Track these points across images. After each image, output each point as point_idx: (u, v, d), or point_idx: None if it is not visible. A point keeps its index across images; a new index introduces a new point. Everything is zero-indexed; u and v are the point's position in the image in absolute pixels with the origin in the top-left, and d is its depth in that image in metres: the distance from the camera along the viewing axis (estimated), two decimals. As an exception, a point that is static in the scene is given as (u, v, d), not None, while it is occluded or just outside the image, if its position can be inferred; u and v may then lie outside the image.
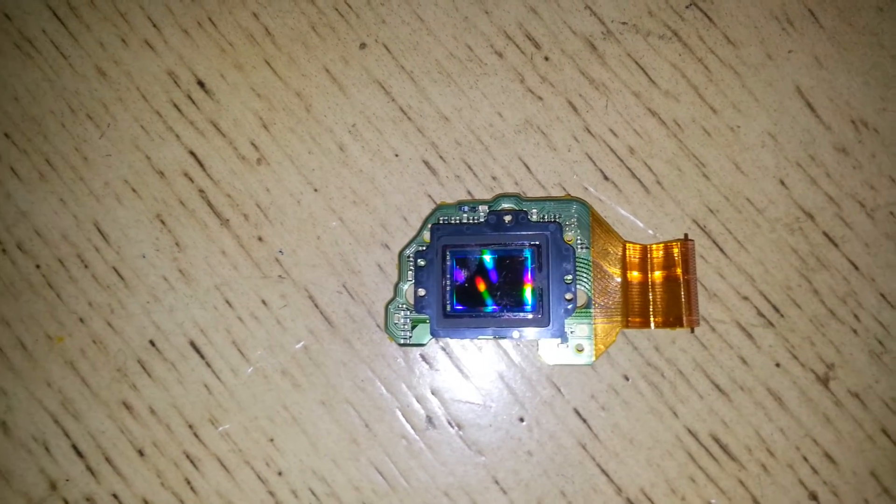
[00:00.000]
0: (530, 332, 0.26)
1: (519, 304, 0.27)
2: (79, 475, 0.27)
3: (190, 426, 0.27)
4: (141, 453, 0.27)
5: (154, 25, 0.29)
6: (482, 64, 0.29)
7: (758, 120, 0.28)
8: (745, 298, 0.27)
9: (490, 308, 0.27)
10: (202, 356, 0.27)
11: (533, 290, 0.27)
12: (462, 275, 0.27)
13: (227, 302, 0.28)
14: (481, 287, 0.27)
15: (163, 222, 0.28)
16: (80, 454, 0.27)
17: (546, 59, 0.29)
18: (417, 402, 0.27)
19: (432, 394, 0.27)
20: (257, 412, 0.27)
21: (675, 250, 0.26)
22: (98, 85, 0.29)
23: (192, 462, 0.27)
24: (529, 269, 0.27)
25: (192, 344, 0.27)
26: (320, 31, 0.29)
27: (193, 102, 0.29)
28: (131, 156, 0.29)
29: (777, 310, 0.27)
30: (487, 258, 0.27)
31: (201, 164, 0.29)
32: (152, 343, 0.27)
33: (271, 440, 0.27)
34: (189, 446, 0.27)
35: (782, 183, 0.28)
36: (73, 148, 0.29)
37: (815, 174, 0.28)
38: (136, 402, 0.27)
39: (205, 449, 0.27)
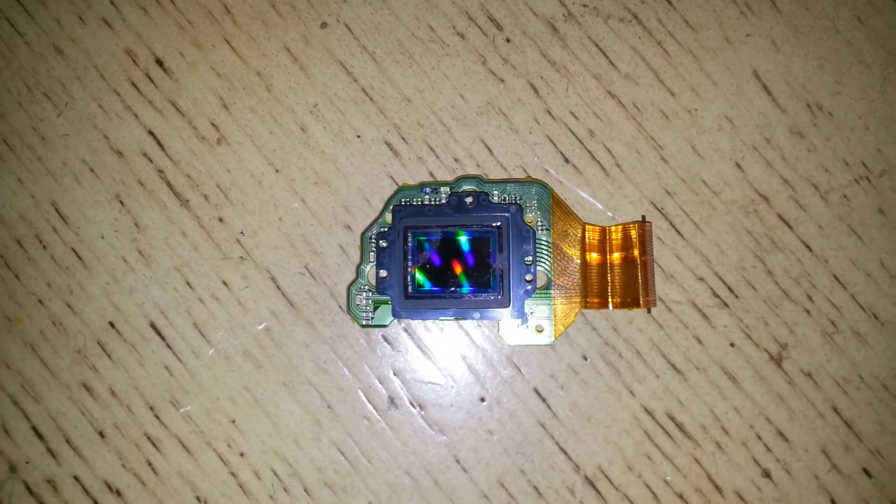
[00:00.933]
0: (491, 313, 0.26)
1: (480, 286, 0.27)
2: (39, 457, 0.26)
3: (151, 408, 0.27)
4: (102, 435, 0.27)
5: (111, 3, 0.29)
6: (444, 45, 0.28)
7: (715, 103, 0.28)
8: (701, 279, 0.28)
9: (451, 289, 0.27)
10: (163, 338, 0.27)
11: (493, 272, 0.27)
12: (423, 257, 0.27)
13: (188, 283, 0.27)
14: (443, 268, 0.27)
15: (122, 203, 0.28)
16: (40, 436, 0.27)
17: (508, 40, 0.28)
18: (379, 382, 0.27)
19: (394, 374, 0.27)
20: (219, 393, 0.27)
21: (633, 232, 0.26)
22: (55, 63, 0.28)
23: (153, 444, 0.27)
24: (490, 250, 0.27)
25: (153, 325, 0.27)
26: (280, 9, 0.29)
27: (152, 81, 0.28)
28: (89, 135, 0.28)
29: (732, 291, 0.28)
30: (449, 240, 0.27)
31: (160, 144, 0.28)
32: (112, 325, 0.27)
33: (233, 421, 0.27)
34: (150, 428, 0.27)
35: (738, 166, 0.28)
36: (31, 127, 0.28)
37: (770, 157, 0.28)
38: (97, 384, 0.27)
39: (166, 430, 0.27)
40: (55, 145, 0.28)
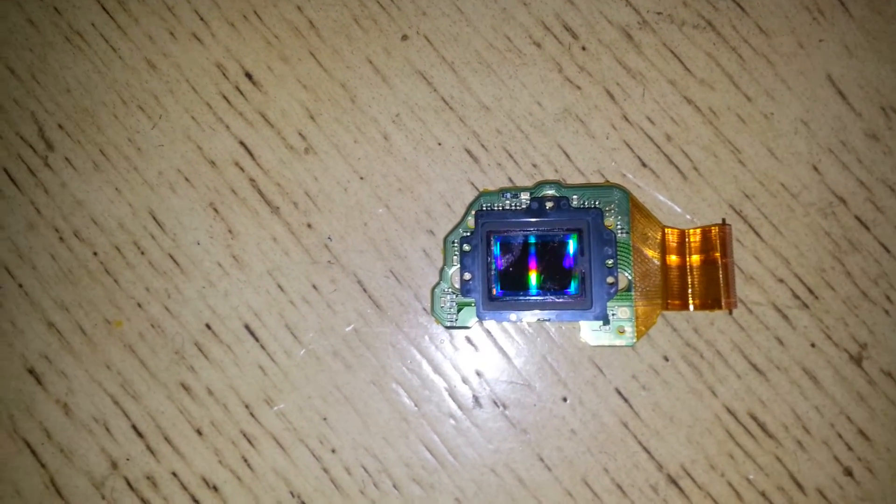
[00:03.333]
0: (573, 315, 0.26)
1: (562, 288, 0.26)
2: (139, 454, 0.27)
3: (246, 406, 0.27)
4: (199, 432, 0.27)
5: (201, 19, 0.29)
6: (521, 54, 0.28)
7: (791, 107, 0.28)
8: (781, 281, 0.27)
9: (534, 291, 0.26)
10: (256, 339, 0.27)
11: (575, 274, 0.26)
12: (506, 259, 0.27)
13: (280, 286, 0.27)
14: (525, 271, 0.27)
15: (216, 210, 0.28)
16: (139, 434, 0.27)
17: (583, 48, 0.28)
18: (464, 382, 0.27)
19: (478, 374, 0.27)
20: (310, 392, 0.27)
21: (714, 234, 0.26)
22: (148, 77, 0.28)
23: (248, 440, 0.26)
24: (572, 253, 0.26)
25: (247, 327, 0.27)
26: (363, 23, 0.29)
27: (242, 94, 0.28)
28: (183, 146, 0.28)
29: (812, 292, 0.27)
30: (531, 243, 0.27)
31: (251, 154, 0.28)
32: (208, 326, 0.27)
33: (324, 419, 0.27)
34: (245, 425, 0.27)
35: (815, 168, 0.27)
36: (127, 139, 0.28)
37: (846, 160, 0.27)
38: (194, 384, 0.27)
39: (261, 428, 0.26)
40: (151, 156, 0.28)
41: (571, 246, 0.26)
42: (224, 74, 0.28)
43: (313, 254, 0.27)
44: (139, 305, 0.27)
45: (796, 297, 0.27)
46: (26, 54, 0.29)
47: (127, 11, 0.29)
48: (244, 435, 0.27)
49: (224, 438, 0.26)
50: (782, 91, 0.28)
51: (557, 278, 0.26)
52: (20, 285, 0.27)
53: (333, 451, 0.26)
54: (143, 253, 0.28)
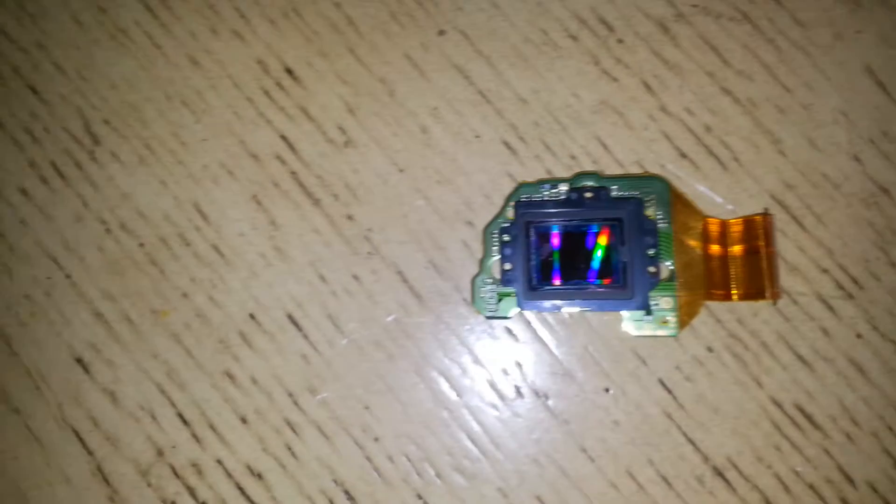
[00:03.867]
0: (615, 305, 0.26)
1: (603, 278, 0.26)
2: (184, 442, 0.26)
3: (290, 395, 0.27)
4: (244, 421, 0.27)
5: (242, 16, 0.29)
6: (557, 47, 0.28)
7: (830, 98, 0.27)
8: (825, 271, 0.27)
9: (574, 281, 0.26)
10: (299, 328, 0.27)
11: (616, 264, 0.26)
12: (547, 250, 0.26)
13: (321, 277, 0.27)
14: (565, 261, 0.26)
15: (258, 202, 0.28)
16: (185, 422, 0.27)
17: (619, 41, 0.28)
18: (504, 373, 0.27)
19: (518, 365, 0.27)
20: (353, 381, 0.26)
21: (757, 224, 0.26)
22: (191, 73, 0.29)
23: (292, 429, 0.26)
24: (613, 243, 0.26)
25: (290, 317, 0.27)
26: (400, 19, 0.29)
27: (283, 89, 0.29)
28: (226, 140, 0.28)
29: (856, 282, 0.26)
30: (570, 234, 0.26)
31: (292, 148, 0.28)
32: (252, 316, 0.27)
33: (367, 408, 0.26)
34: (289, 414, 0.26)
35: (856, 159, 0.27)
36: (171, 133, 0.29)
37: (888, 150, 0.27)
38: (238, 373, 0.27)
39: (304, 416, 0.26)
40: (195, 150, 0.28)
41: (613, 236, 0.26)
42: (265, 70, 0.29)
43: (354, 245, 0.27)
44: (184, 296, 0.27)
45: (841, 287, 0.26)
46: (73, 52, 0.29)
47: (170, 9, 0.30)
48: (288, 423, 0.26)
49: (268, 427, 0.26)
50: (821, 82, 0.27)
51: (599, 268, 0.26)
52: (68, 276, 0.28)
53: (376, 439, 0.26)
54: (188, 244, 0.28)
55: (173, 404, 0.27)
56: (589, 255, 0.26)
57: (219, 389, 0.27)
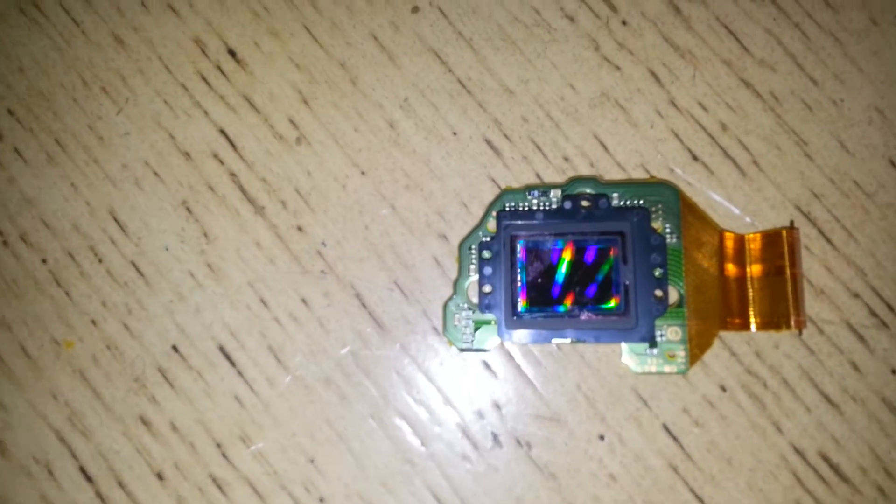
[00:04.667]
0: (613, 336, 0.22)
1: (600, 303, 0.22)
2: (87, 503, 0.22)
3: (218, 445, 0.23)
4: (160, 477, 0.22)
5: (177, -11, 0.25)
6: (551, 29, 0.24)
7: (863, 93, 0.24)
8: (856, 296, 0.23)
9: (566, 307, 0.22)
10: (233, 363, 0.23)
11: (616, 287, 0.22)
12: (534, 269, 0.22)
13: (262, 301, 0.23)
14: (556, 283, 0.22)
15: (189, 210, 0.24)
16: (88, 478, 0.23)
17: (623, 23, 0.24)
18: (481, 416, 0.22)
19: (497, 408, 0.22)
20: (296, 428, 0.22)
21: (781, 240, 0.22)
22: (115, 55, 0.25)
23: (219, 487, 0.22)
24: (613, 262, 0.22)
25: (222, 349, 0.23)
26: (365, -6, 0.25)
27: (223, 74, 0.25)
28: (153, 135, 0.24)
29: (891, 308, 0.23)
30: (563, 250, 0.22)
31: (233, 144, 0.24)
32: (175, 349, 0.23)
33: (312, 461, 0.22)
34: (216, 468, 0.22)
35: (892, 163, 0.23)
36: (87, 126, 0.25)
37: (929, 155, 0.23)
38: (156, 418, 0.23)
39: (234, 471, 0.22)
40: (114, 146, 0.24)
41: (613, 253, 0.22)
42: (203, 51, 0.25)
43: (304, 262, 0.23)
44: (93, 323, 0.23)
45: (874, 314, 0.23)
46: (-28, 28, 0.25)
47: (92, -20, 0.25)
48: (214, 480, 0.22)
49: (189, 484, 0.22)
50: (853, 74, 0.24)
51: (595, 291, 0.22)
52: (-47, 297, 0.23)
53: (322, 500, 0.22)
54: (100, 260, 0.24)
55: (75, 456, 0.23)
56: (586, 275, 0.22)
57: (131, 438, 0.23)
